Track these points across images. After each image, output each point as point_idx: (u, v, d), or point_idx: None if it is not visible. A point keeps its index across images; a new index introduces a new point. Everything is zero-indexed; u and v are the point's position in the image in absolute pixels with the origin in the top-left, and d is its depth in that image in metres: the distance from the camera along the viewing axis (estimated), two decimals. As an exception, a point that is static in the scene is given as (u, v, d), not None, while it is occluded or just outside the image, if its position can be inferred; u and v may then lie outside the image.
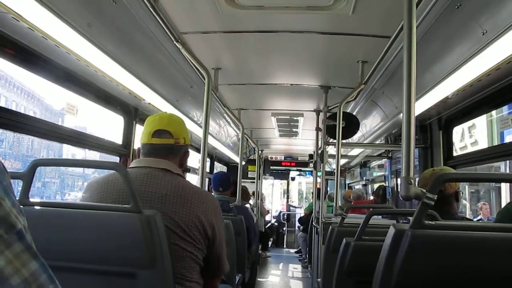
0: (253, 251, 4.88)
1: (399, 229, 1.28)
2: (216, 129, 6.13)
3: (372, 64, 3.14)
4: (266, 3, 2.51)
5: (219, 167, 9.05)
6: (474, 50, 2.33)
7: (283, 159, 11.27)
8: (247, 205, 5.70)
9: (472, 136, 7.67)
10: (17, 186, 1.55)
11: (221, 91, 4.36)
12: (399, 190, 5.11)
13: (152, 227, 1.39)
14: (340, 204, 3.98)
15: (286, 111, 5.71)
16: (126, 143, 3.69)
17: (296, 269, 8.62)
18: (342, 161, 8.36)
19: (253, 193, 8.57)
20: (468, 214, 8.55)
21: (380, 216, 4.29)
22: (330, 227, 3.13)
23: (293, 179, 13.12)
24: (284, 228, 12.04)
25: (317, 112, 5.26)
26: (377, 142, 5.62)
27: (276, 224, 12.26)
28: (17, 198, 1.45)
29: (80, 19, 2.14)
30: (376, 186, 7.32)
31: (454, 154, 3.98)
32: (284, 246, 11.72)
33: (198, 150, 2.57)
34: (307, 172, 12.50)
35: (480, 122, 7.28)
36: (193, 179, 6.13)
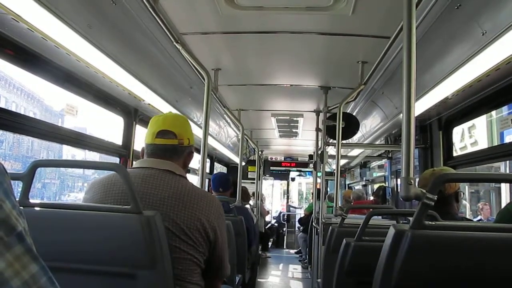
0: (253, 251, 4.88)
1: (399, 230, 1.28)
2: (216, 129, 6.13)
3: (372, 64, 3.14)
4: (266, 4, 2.51)
5: (219, 168, 9.05)
6: (473, 51, 2.33)
7: (283, 159, 11.27)
8: (247, 206, 5.70)
9: (472, 136, 7.67)
10: (17, 187, 1.55)
11: (221, 92, 4.36)
12: (399, 190, 5.11)
13: (152, 228, 1.39)
14: (340, 205, 3.98)
15: (286, 111, 5.71)
16: (126, 144, 3.69)
17: (296, 269, 8.62)
18: (342, 162, 8.36)
19: (253, 193, 8.57)
20: (468, 215, 8.55)
21: (380, 217, 4.29)
22: (330, 227, 3.13)
23: (293, 179, 13.12)
24: (284, 229, 12.03)
25: (317, 112, 5.26)
26: (377, 142, 5.63)
27: (276, 224, 12.26)
28: (17, 199, 1.46)
29: (80, 20, 2.14)
30: (376, 186, 7.32)
31: (454, 154, 3.98)
32: (284, 247, 11.72)
33: (198, 151, 2.56)
34: (307, 173, 12.49)
35: (480, 122, 7.28)
36: (193, 180, 6.13)
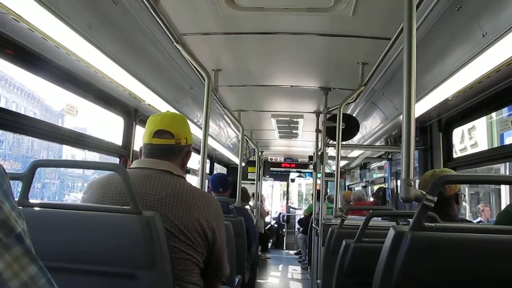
0: (252, 252, 4.88)
1: (399, 231, 1.28)
2: (216, 130, 6.13)
3: (372, 65, 3.14)
4: (266, 5, 2.51)
5: (219, 169, 9.05)
6: (474, 52, 2.33)
7: (283, 160, 11.27)
8: (247, 207, 5.70)
9: (472, 138, 7.68)
10: (17, 187, 1.55)
11: (221, 93, 4.36)
12: (399, 191, 5.12)
13: (151, 228, 1.39)
14: (340, 206, 3.98)
15: (286, 112, 5.71)
16: (126, 144, 3.69)
17: (295, 270, 8.62)
18: (342, 163, 8.36)
19: (253, 194, 8.57)
20: (468, 216, 8.55)
21: (380, 218, 4.29)
22: (330, 228, 3.13)
23: (293, 180, 13.12)
24: (284, 230, 12.03)
25: (317, 113, 5.26)
26: (377, 143, 5.62)
27: (275, 225, 12.25)
28: (17, 199, 1.46)
29: (81, 20, 2.14)
30: (376, 187, 7.32)
31: (454, 156, 3.98)
32: (284, 248, 11.72)
33: (198, 152, 2.56)
34: (307, 174, 12.49)
35: (480, 124, 7.29)
36: (193, 180, 6.14)
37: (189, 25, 2.82)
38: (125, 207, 1.42)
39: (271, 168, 10.98)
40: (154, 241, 1.39)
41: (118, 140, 3.66)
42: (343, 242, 2.36)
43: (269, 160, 10.99)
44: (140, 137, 1.83)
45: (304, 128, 6.52)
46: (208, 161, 7.73)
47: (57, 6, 1.91)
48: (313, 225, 5.49)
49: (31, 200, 1.49)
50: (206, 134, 2.81)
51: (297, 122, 6.18)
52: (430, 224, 1.27)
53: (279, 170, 11.53)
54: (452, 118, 3.78)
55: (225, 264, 1.77)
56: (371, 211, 2.53)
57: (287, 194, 13.79)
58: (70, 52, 2.30)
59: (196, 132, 4.70)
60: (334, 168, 4.91)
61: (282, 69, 3.88)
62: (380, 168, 7.56)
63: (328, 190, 9.39)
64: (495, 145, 7.22)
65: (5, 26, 1.97)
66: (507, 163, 6.87)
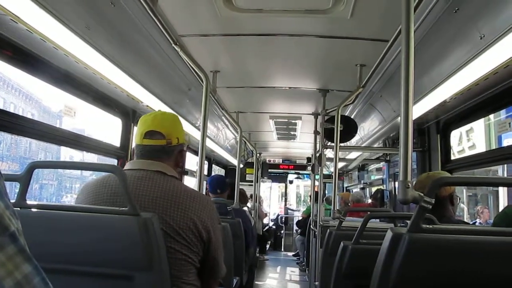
0: (251, 254, 4.87)
1: (396, 233, 1.28)
2: (214, 132, 6.12)
3: (370, 67, 3.14)
4: (265, 6, 2.51)
5: (217, 170, 9.05)
6: (472, 54, 2.34)
7: (281, 162, 11.27)
8: (245, 208, 5.69)
9: (470, 139, 7.69)
10: (15, 188, 1.54)
11: (219, 94, 4.36)
12: (397, 193, 5.12)
13: (149, 229, 1.39)
14: (338, 207, 3.98)
15: (284, 114, 5.71)
16: (124, 146, 3.69)
17: (294, 272, 8.62)
18: (340, 164, 8.37)
19: (251, 196, 8.56)
20: (466, 218, 8.56)
21: (378, 220, 4.29)
22: (328, 230, 3.13)
23: (291, 182, 13.12)
24: (282, 231, 12.02)
25: (315, 115, 5.26)
26: (375, 145, 5.63)
27: (274, 227, 12.24)
28: (14, 201, 1.45)
29: (79, 21, 2.14)
30: (374, 189, 7.32)
31: (452, 157, 3.99)
32: (282, 249, 11.70)
33: (196, 153, 2.57)
34: (305, 175, 12.50)
35: (478, 126, 7.30)
36: (191, 181, 6.14)
37: (187, 27, 2.82)
38: (123, 208, 1.42)
39: (269, 170, 10.99)
40: (152, 242, 1.39)
41: (116, 141, 3.65)
42: (341, 243, 2.36)
43: (267, 161, 10.99)
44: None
45: (302, 130, 6.52)
46: (206, 162, 7.73)
47: (56, 7, 1.91)
48: (311, 226, 5.49)
49: (28, 202, 1.49)
50: (204, 135, 2.81)
51: (295, 124, 6.18)
52: (427, 226, 1.28)
53: (277, 171, 11.54)
54: (450, 120, 3.79)
55: (221, 264, 1.76)
56: (369, 212, 2.52)
57: (285, 195, 13.78)
58: (68, 53, 2.29)
59: (194, 133, 4.71)
60: (332, 169, 4.91)
61: (280, 70, 3.88)
62: (378, 169, 7.57)
63: (326, 192, 9.39)
64: (493, 147, 7.24)
65: (3, 27, 1.97)
66: (505, 165, 6.89)
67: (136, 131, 1.79)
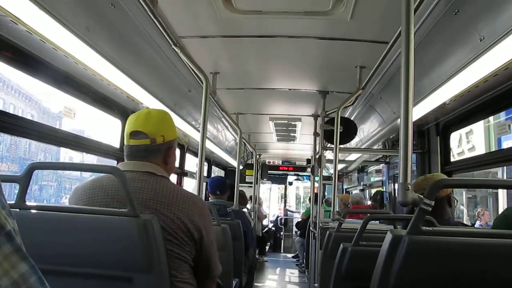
0: (250, 255, 4.87)
1: (396, 235, 1.28)
2: (214, 133, 6.12)
3: (370, 69, 3.14)
4: (265, 8, 2.51)
5: (216, 171, 9.04)
6: (471, 56, 2.34)
7: (280, 163, 11.26)
8: (245, 210, 5.70)
9: (469, 141, 7.69)
10: (14, 189, 1.54)
11: (219, 95, 4.36)
12: (396, 195, 5.11)
13: (149, 231, 1.39)
14: (337, 209, 3.98)
15: (284, 115, 5.71)
16: (123, 147, 3.68)
17: (293, 274, 8.61)
18: (340, 166, 8.36)
19: (251, 197, 8.56)
20: (466, 220, 8.55)
21: (377, 221, 4.29)
22: (328, 232, 3.13)
23: (290, 183, 13.11)
24: (282, 233, 12.01)
25: (315, 117, 5.26)
26: (374, 147, 5.63)
27: (273, 228, 12.23)
28: (14, 202, 1.45)
29: (79, 23, 2.14)
30: (373, 191, 7.32)
31: (452, 159, 3.99)
32: (282, 251, 11.69)
33: (195, 154, 2.57)
34: (304, 177, 12.49)
35: (478, 128, 7.30)
36: (191, 183, 6.13)
37: (187, 28, 2.82)
38: (122, 209, 1.42)
39: (269, 171, 10.97)
40: (151, 244, 1.39)
41: (115, 142, 3.65)
42: (340, 245, 2.36)
43: (267, 163, 10.97)
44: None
45: (302, 131, 6.52)
46: (206, 164, 7.72)
47: (56, 8, 1.91)
48: (311, 228, 5.49)
49: (28, 203, 1.49)
50: (204, 136, 2.81)
51: (295, 125, 6.18)
52: (427, 228, 1.27)
53: (277, 173, 11.53)
54: (449, 122, 3.79)
55: (215, 263, 1.75)
56: (368, 214, 2.52)
57: (284, 197, 13.77)
58: (68, 54, 2.30)
59: (194, 134, 4.71)
60: (332, 171, 4.91)
61: (280, 72, 3.88)
62: (378, 171, 7.56)
63: (326, 193, 9.39)
64: (493, 149, 7.23)
65: (3, 29, 1.97)
66: (505, 167, 6.89)
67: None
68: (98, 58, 2.44)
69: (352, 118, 5.00)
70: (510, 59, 2.15)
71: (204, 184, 5.87)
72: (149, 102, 3.42)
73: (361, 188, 8.65)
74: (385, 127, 4.53)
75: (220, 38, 3.00)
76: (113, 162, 3.60)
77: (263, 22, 2.73)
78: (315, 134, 5.21)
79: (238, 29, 2.84)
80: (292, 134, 6.86)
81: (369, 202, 7.10)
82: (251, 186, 8.66)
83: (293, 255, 10.59)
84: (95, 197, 1.60)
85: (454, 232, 1.33)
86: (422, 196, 1.27)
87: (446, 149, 3.97)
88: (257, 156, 8.51)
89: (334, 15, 2.50)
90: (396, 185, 5.67)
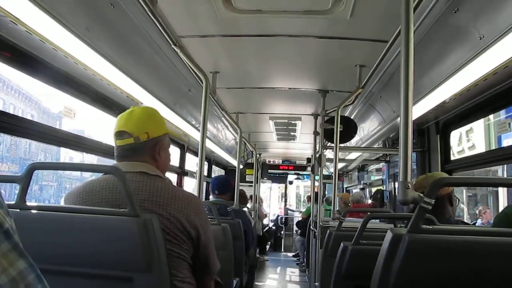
0: (251, 254, 4.87)
1: (396, 234, 1.28)
2: (214, 132, 6.12)
3: (370, 68, 3.14)
4: (264, 7, 2.51)
5: (217, 171, 9.04)
6: (471, 55, 2.34)
7: (281, 162, 11.26)
8: (245, 209, 5.70)
9: (469, 140, 7.69)
10: (15, 189, 1.54)
11: (219, 95, 4.36)
12: (397, 194, 5.12)
13: (149, 231, 1.39)
14: (337, 208, 3.98)
15: (284, 115, 5.71)
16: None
17: (294, 273, 8.61)
18: (340, 165, 8.37)
19: (251, 196, 8.56)
20: (466, 218, 8.56)
21: (378, 220, 4.29)
22: (328, 231, 3.12)
23: (291, 182, 13.12)
24: (282, 232, 12.01)
25: (315, 116, 5.26)
26: (375, 146, 5.63)
27: (274, 227, 12.24)
28: (14, 202, 1.45)
29: (78, 23, 2.14)
30: (374, 189, 7.32)
31: (452, 158, 3.99)
32: (282, 250, 11.70)
33: (195, 154, 2.57)
34: (305, 176, 12.50)
35: (478, 126, 7.31)
36: (191, 182, 6.13)
37: (187, 28, 2.82)
38: (123, 209, 1.42)
39: (269, 170, 10.97)
40: (152, 243, 1.39)
41: (115, 142, 3.64)
42: (341, 244, 2.36)
43: (267, 162, 10.98)
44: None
45: (302, 131, 6.52)
46: (206, 163, 7.72)
47: (55, 8, 1.91)
48: (311, 227, 5.49)
49: (28, 203, 1.49)
50: (204, 136, 2.81)
51: (295, 125, 6.18)
52: (427, 226, 1.27)
53: (277, 172, 11.53)
54: (449, 120, 3.79)
55: (213, 260, 1.75)
56: (369, 213, 2.52)
57: (285, 196, 13.78)
58: (68, 54, 2.30)
59: (194, 134, 4.71)
60: (332, 170, 4.91)
61: (280, 71, 3.88)
62: (378, 170, 7.57)
63: (326, 192, 9.40)
64: (493, 147, 7.24)
65: (3, 29, 1.97)
66: (505, 165, 6.89)
67: None
68: (97, 58, 2.44)
69: (352, 117, 5.00)
70: (510, 58, 2.15)
71: (205, 183, 5.87)
72: (149, 101, 3.42)
73: (361, 187, 8.65)
74: (385, 125, 4.53)
75: (219, 38, 3.00)
76: (113, 162, 3.60)
77: (263, 21, 2.73)
78: (315, 133, 5.20)
79: (238, 28, 2.84)
80: (292, 133, 6.86)
81: (369, 201, 7.09)
82: (252, 186, 8.66)
83: (293, 254, 10.60)
84: (90, 202, 1.60)
85: (455, 230, 1.33)
86: (422, 195, 1.27)
87: (446, 148, 3.97)
88: (257, 155, 8.51)
89: (334, 14, 2.50)
90: (396, 183, 5.67)
